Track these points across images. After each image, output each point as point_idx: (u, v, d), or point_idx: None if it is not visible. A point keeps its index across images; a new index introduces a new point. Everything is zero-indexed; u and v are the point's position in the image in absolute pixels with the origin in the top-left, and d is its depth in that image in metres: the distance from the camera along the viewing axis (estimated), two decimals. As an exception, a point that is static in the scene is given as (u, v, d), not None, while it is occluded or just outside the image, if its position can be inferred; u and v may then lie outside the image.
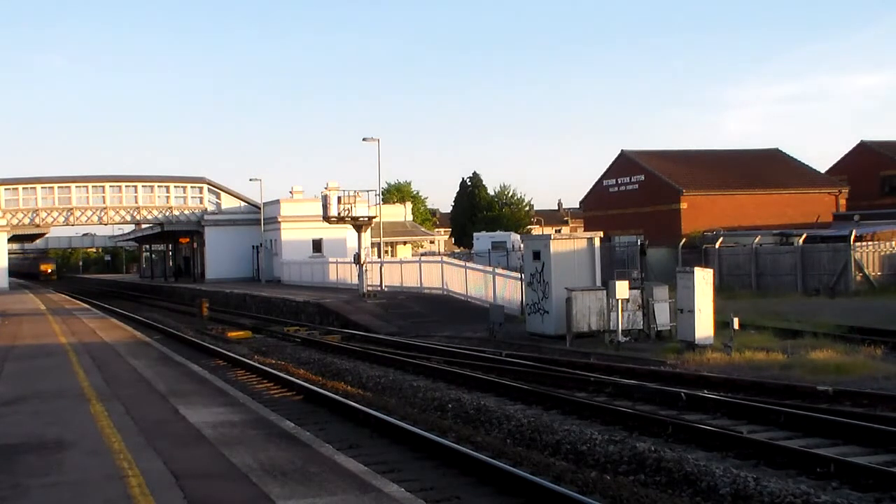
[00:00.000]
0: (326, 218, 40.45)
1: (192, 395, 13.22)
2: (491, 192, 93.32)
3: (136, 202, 66.96)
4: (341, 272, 49.22)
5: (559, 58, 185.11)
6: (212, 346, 25.44)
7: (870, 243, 38.04)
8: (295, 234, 61.35)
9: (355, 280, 42.03)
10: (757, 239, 41.56)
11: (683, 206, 52.52)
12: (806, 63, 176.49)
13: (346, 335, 29.12)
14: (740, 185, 54.65)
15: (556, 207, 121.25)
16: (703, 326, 20.55)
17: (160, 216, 67.27)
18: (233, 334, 31.21)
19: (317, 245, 60.94)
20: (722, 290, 31.01)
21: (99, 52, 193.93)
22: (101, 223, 69.29)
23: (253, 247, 66.14)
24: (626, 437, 11.70)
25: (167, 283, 73.01)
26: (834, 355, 17.85)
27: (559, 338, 23.61)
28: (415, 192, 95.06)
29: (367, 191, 43.89)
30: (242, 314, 42.48)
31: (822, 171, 61.38)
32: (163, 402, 12.51)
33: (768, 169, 57.47)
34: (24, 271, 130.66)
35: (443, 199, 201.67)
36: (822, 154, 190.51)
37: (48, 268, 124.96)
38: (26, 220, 64.58)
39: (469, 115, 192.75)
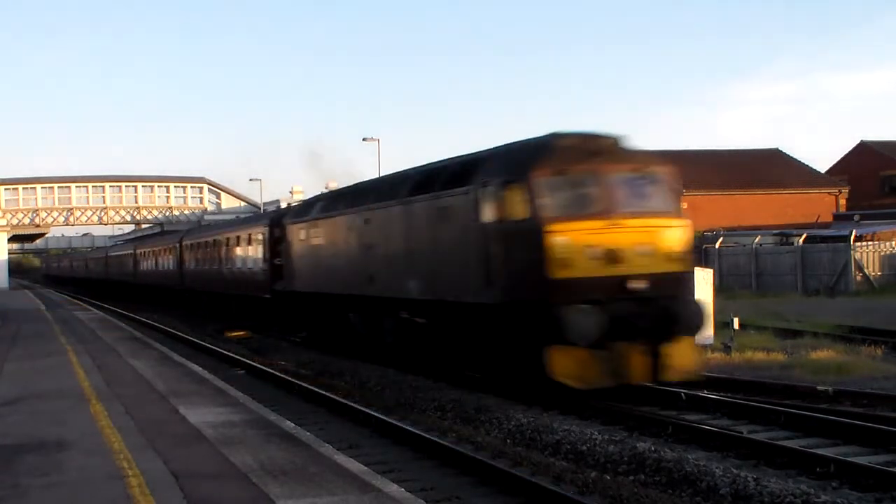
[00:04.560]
0: (327, 218, 39.68)
1: (192, 394, 13.23)
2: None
3: (136, 202, 67.06)
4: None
5: (559, 58, 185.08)
6: (211, 346, 25.42)
7: (870, 243, 38.07)
8: (295, 233, 61.15)
9: (355, 280, 41.42)
10: (757, 239, 41.58)
11: (683, 206, 52.31)
12: (806, 63, 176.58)
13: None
14: (740, 185, 54.64)
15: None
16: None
17: (160, 216, 67.30)
18: (232, 334, 31.17)
19: (317, 245, 60.51)
20: (722, 290, 31.00)
21: (99, 51, 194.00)
22: (101, 223, 69.54)
23: (253, 247, 65.67)
24: (626, 437, 11.69)
25: (167, 283, 71.99)
26: (834, 355, 17.85)
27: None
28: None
29: (368, 191, 43.84)
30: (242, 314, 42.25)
31: (822, 171, 61.41)
32: (163, 402, 12.51)
33: (768, 169, 57.47)
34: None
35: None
36: (822, 154, 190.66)
37: None
38: (26, 220, 64.60)
39: (469, 114, 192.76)
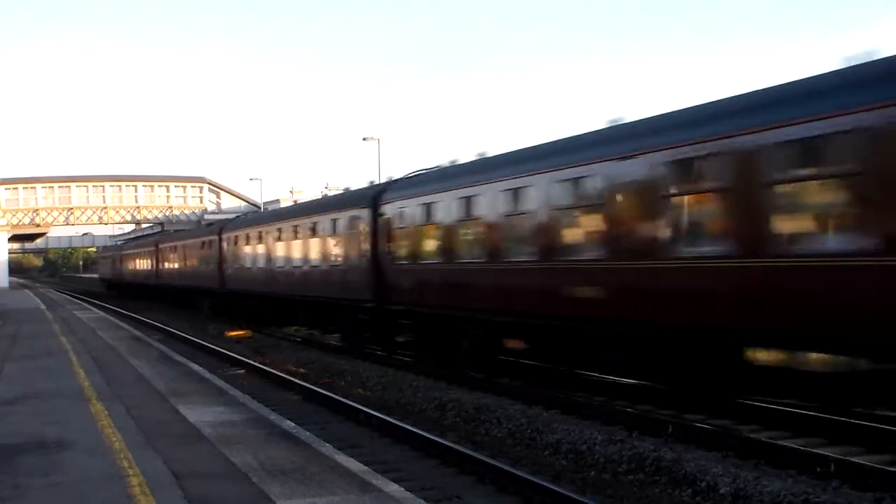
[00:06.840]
0: (327, 217, 39.37)
1: (192, 394, 13.24)
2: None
3: (136, 202, 67.10)
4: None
5: (558, 57, 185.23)
6: (212, 346, 25.43)
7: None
8: (295, 233, 60.94)
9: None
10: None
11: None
12: (806, 63, 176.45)
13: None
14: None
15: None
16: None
17: (160, 216, 67.32)
18: (233, 333, 31.19)
19: (317, 244, 60.16)
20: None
21: (99, 51, 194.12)
22: (101, 223, 69.52)
23: (253, 246, 65.47)
24: (626, 437, 11.69)
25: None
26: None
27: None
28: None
29: (368, 190, 43.79)
30: (242, 313, 42.31)
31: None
32: (163, 402, 12.52)
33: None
34: None
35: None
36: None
37: None
38: (26, 220, 64.61)
39: (470, 112, 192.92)
